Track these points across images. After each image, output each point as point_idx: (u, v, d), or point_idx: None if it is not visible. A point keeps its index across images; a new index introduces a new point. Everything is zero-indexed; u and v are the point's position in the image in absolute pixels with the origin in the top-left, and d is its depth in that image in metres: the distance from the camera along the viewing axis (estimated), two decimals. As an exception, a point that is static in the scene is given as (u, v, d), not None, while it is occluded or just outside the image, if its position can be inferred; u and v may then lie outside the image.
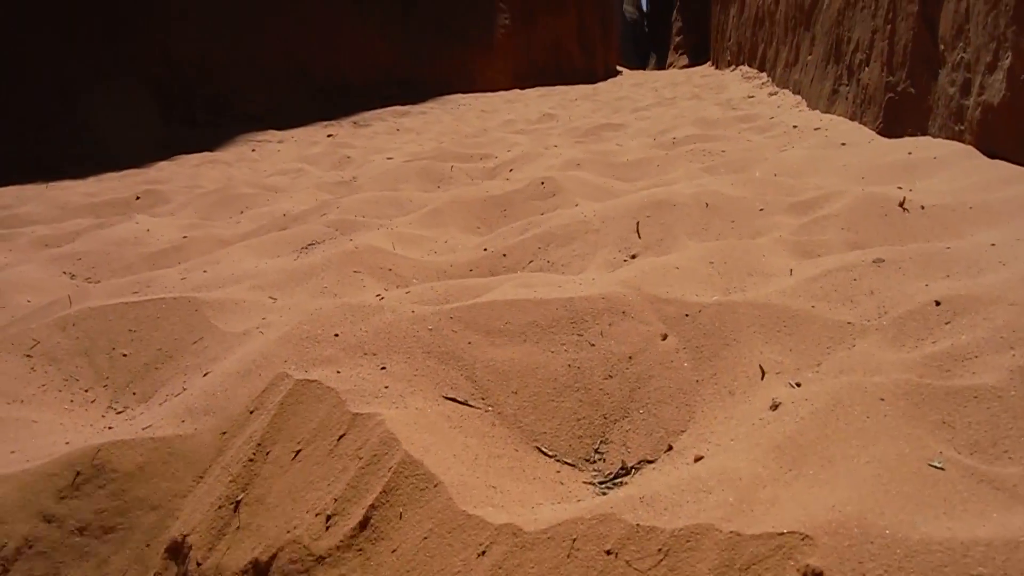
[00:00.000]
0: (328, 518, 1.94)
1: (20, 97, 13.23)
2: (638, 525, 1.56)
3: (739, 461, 1.79)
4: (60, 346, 3.30)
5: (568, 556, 1.58)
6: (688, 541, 1.46)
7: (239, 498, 2.11)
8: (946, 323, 2.32)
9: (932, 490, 1.48)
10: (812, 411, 1.90)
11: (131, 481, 2.25)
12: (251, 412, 2.39)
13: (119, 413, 3.01)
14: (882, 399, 1.85)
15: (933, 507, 1.42)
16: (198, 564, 1.98)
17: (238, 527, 2.05)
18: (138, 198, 8.11)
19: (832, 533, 1.34)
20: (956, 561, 1.24)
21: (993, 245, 2.92)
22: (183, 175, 10.28)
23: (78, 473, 2.24)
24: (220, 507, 2.12)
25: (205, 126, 17.19)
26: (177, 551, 2.07)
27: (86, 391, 3.13)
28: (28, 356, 3.24)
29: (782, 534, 1.37)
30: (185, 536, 2.08)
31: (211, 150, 14.17)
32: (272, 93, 19.38)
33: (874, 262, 2.91)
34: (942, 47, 5.39)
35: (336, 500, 1.97)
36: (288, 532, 1.97)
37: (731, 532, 1.42)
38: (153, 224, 6.12)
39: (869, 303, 2.63)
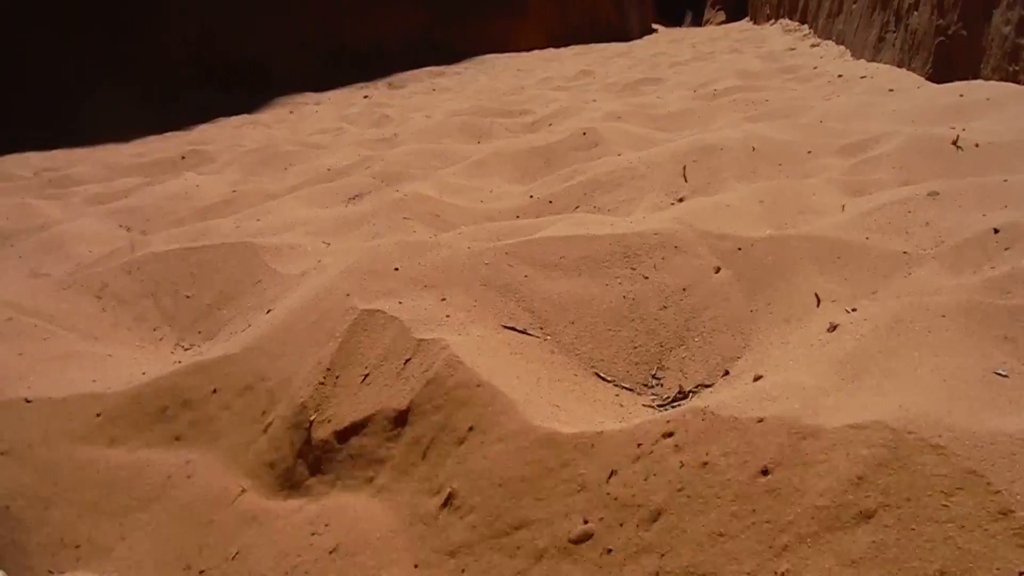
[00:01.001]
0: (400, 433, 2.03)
1: (20, 98, 13.29)
2: (708, 412, 1.61)
3: (801, 376, 1.83)
4: (127, 288, 3.43)
5: (639, 448, 1.65)
6: (761, 425, 1.51)
7: (312, 418, 2.21)
8: (1005, 249, 2.32)
9: (998, 394, 1.51)
10: (872, 329, 1.92)
11: (210, 403, 2.37)
12: (317, 341, 2.48)
13: (186, 350, 3.13)
14: (943, 316, 1.87)
15: (1000, 408, 1.45)
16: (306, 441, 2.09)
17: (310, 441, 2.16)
18: (183, 158, 8.26)
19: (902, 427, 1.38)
20: (1028, 449, 1.28)
21: (1052, 177, 2.89)
22: (225, 136, 10.42)
23: (169, 395, 2.37)
24: (291, 427, 2.22)
25: (240, 91, 17.29)
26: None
27: (154, 329, 3.25)
28: (98, 297, 3.37)
29: (854, 426, 1.41)
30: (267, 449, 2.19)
31: (249, 112, 14.30)
32: (306, 59, 19.39)
33: (929, 195, 2.90)
34: (997, -14, 5.24)
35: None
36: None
37: (804, 424, 1.47)
38: (201, 180, 6.24)
39: (925, 234, 2.63)
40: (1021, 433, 1.31)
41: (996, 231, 2.42)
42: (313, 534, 1.99)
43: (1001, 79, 5.15)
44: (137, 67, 15.20)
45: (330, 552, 1.94)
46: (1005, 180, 2.90)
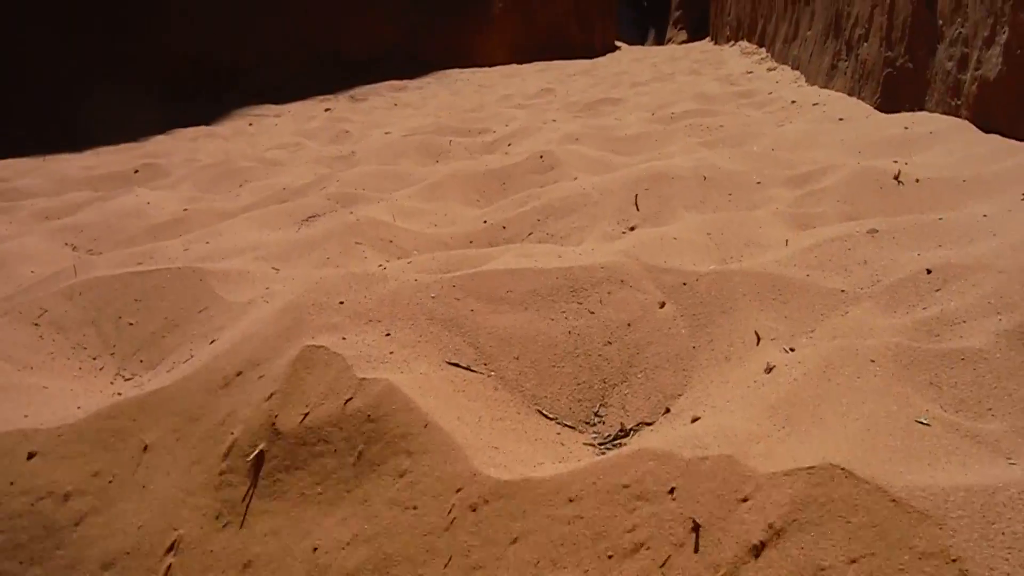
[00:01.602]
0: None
1: (20, 98, 13.04)
2: (642, 455, 1.63)
3: (735, 420, 1.86)
4: (67, 315, 3.36)
5: (571, 492, 1.65)
6: (693, 469, 1.53)
7: (249, 459, 2.18)
8: (936, 290, 2.38)
9: (918, 443, 1.55)
10: (805, 372, 1.96)
11: (145, 441, 2.32)
12: (259, 377, 2.45)
13: (127, 380, 3.07)
14: (872, 361, 1.92)
15: (918, 459, 1.49)
16: (244, 481, 2.06)
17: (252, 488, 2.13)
18: (136, 171, 8.12)
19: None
20: (938, 507, 1.31)
21: (985, 216, 2.98)
22: (181, 149, 10.27)
23: (102, 431, 2.32)
24: (226, 469, 2.19)
25: (202, 102, 17.11)
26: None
27: (94, 359, 3.18)
28: (36, 324, 3.29)
29: (780, 473, 1.44)
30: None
31: (208, 124, 14.13)
32: (269, 68, 19.27)
33: (868, 232, 2.97)
34: (940, 22, 5.41)
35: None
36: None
37: (736, 467, 1.50)
38: (153, 197, 6.14)
39: (863, 272, 2.69)
40: (933, 488, 1.35)
41: (928, 271, 2.49)
42: (248, 577, 1.96)
43: (944, 112, 5.31)
44: (137, 67, 14.98)
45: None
46: (940, 218, 2.99)
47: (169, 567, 2.00)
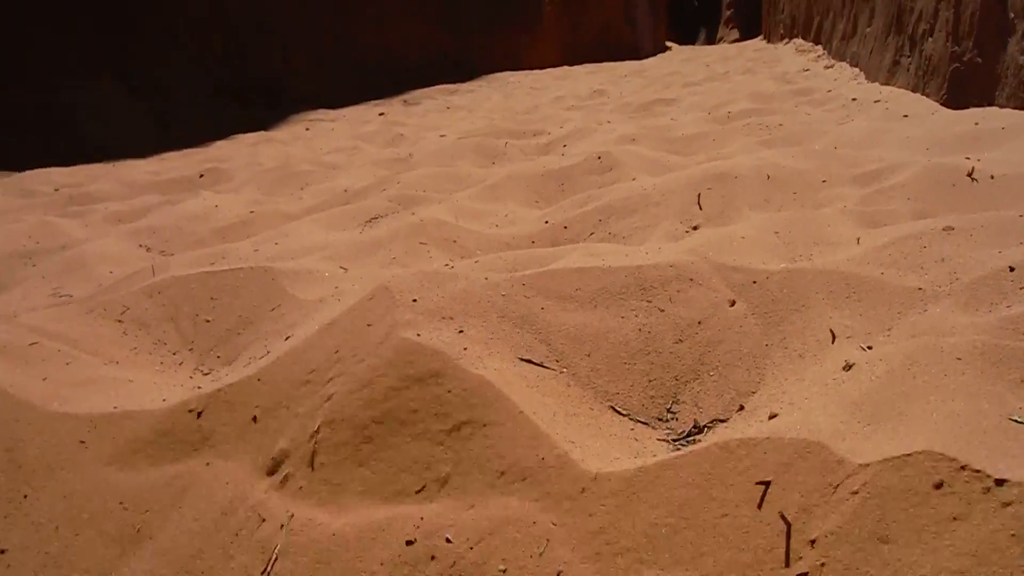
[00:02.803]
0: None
1: (23, 99, 13.31)
2: (726, 456, 1.63)
3: (816, 416, 1.85)
4: (148, 312, 3.48)
5: (652, 493, 1.67)
6: (779, 460, 1.53)
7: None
8: (1021, 287, 2.33)
9: (1014, 442, 1.52)
10: (887, 370, 1.94)
11: (228, 429, 2.41)
12: (341, 372, 2.52)
13: (206, 375, 3.17)
14: (959, 358, 1.89)
15: (1016, 457, 1.46)
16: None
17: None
18: (201, 176, 8.36)
19: (916, 478, 1.40)
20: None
21: (1068, 213, 2.90)
22: (242, 154, 10.53)
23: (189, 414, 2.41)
24: (308, 460, 2.25)
25: (257, 107, 17.52)
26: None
27: (174, 354, 3.30)
28: (119, 321, 3.42)
29: (867, 464, 1.43)
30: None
31: (266, 129, 14.46)
32: (322, 75, 19.63)
33: (944, 230, 2.91)
34: (1012, 15, 5.26)
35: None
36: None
37: (835, 458, 1.49)
38: (220, 200, 6.32)
39: (940, 269, 2.64)
40: (1037, 486, 1.33)
41: (1012, 269, 2.43)
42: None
43: (1016, 107, 5.16)
44: (140, 64, 15.32)
45: None
46: (1021, 215, 2.91)
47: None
